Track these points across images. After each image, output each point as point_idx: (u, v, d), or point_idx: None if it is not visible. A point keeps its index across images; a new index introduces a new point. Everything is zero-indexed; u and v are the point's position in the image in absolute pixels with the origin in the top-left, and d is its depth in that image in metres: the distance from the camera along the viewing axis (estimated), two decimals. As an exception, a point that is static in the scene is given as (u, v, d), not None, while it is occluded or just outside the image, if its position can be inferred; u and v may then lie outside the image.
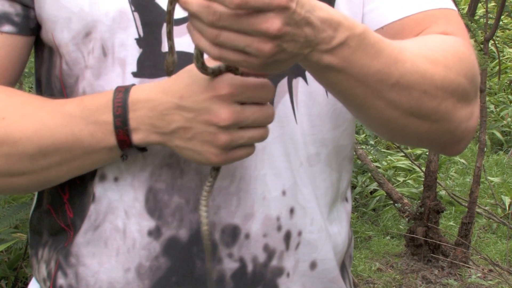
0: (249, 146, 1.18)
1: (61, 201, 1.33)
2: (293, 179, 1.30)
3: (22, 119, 1.22)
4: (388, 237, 5.43)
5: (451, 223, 5.60)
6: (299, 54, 1.06)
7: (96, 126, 1.19)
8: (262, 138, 1.18)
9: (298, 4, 1.02)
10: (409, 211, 5.02)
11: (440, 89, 1.21)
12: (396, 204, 5.22)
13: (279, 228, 1.29)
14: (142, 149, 1.22)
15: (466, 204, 4.83)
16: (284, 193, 1.29)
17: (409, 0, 1.32)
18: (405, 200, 5.24)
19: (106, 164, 1.25)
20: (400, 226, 5.54)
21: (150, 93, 1.18)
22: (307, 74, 1.29)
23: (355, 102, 1.19)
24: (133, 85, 1.20)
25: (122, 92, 1.18)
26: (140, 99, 1.18)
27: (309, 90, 1.29)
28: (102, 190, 1.28)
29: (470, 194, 4.68)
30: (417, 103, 1.20)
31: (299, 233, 1.31)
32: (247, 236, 1.27)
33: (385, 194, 5.56)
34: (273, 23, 1.00)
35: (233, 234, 1.27)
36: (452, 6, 1.35)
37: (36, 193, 1.40)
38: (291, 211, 1.30)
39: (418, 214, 4.84)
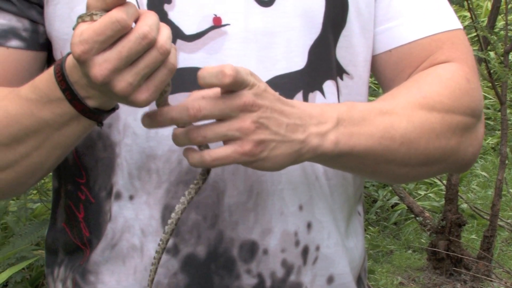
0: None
1: (76, 220, 1.32)
2: (310, 193, 1.29)
3: None
4: (409, 251, 5.40)
5: (473, 236, 5.57)
6: (291, 139, 1.13)
7: (52, 104, 1.14)
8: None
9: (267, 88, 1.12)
10: (430, 224, 4.99)
11: (441, 134, 1.26)
12: (417, 218, 5.19)
13: (297, 243, 1.28)
14: (112, 109, 1.15)
15: (488, 217, 4.80)
16: (301, 207, 1.28)
17: (417, 24, 1.34)
18: (427, 214, 5.20)
19: (87, 133, 1.20)
20: (422, 240, 5.51)
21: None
22: (325, 88, 1.30)
23: (367, 171, 1.28)
24: (69, 53, 1.12)
25: (59, 65, 1.12)
26: (70, 66, 1.11)
27: (326, 103, 1.29)
28: (117, 209, 1.27)
29: (492, 207, 4.65)
30: (425, 155, 1.26)
31: (317, 248, 1.30)
32: (265, 251, 1.27)
33: (406, 208, 5.53)
34: (247, 96, 1.08)
35: (251, 250, 1.27)
36: (458, 25, 1.37)
37: (51, 212, 1.40)
38: (309, 225, 1.29)
39: (439, 227, 4.81)
